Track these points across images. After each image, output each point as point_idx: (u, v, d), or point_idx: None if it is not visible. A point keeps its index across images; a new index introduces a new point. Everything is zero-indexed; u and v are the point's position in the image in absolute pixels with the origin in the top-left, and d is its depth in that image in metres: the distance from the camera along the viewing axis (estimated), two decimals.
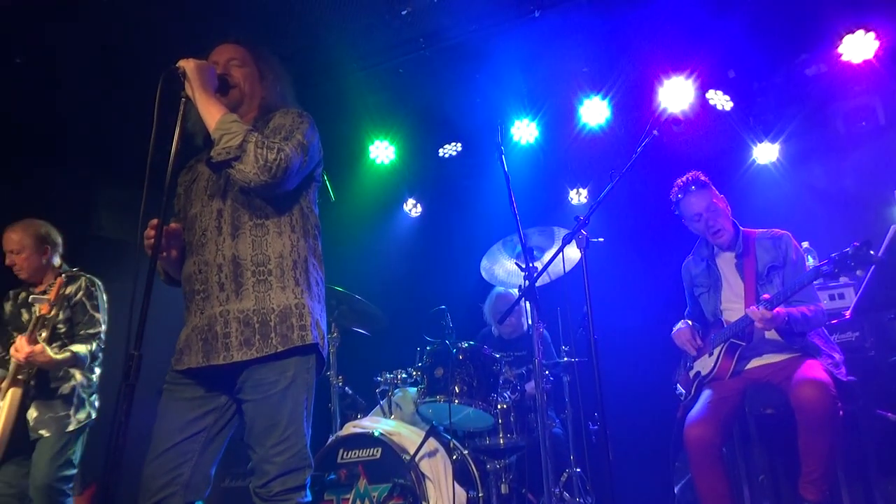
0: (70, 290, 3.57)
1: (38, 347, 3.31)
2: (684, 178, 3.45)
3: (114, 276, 4.98)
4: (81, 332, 3.55)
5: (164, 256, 2.27)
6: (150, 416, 2.20)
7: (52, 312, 3.39)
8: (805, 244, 3.64)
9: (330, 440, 3.72)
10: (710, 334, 3.37)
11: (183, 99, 2.13)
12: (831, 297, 3.75)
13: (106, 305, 3.70)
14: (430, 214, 6.05)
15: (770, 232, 3.39)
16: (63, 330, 3.52)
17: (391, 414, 3.96)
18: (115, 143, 5.02)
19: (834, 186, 4.66)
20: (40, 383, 3.45)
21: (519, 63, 4.93)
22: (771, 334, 3.18)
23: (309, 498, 2.16)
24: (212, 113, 2.14)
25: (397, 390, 4.02)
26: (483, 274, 4.08)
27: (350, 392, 4.31)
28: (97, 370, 3.64)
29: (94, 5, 3.96)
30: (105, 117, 4.81)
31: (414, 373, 3.90)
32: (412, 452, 3.43)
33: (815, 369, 2.96)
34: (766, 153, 5.01)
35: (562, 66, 5.01)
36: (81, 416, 3.51)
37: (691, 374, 3.42)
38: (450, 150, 5.73)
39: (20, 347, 3.30)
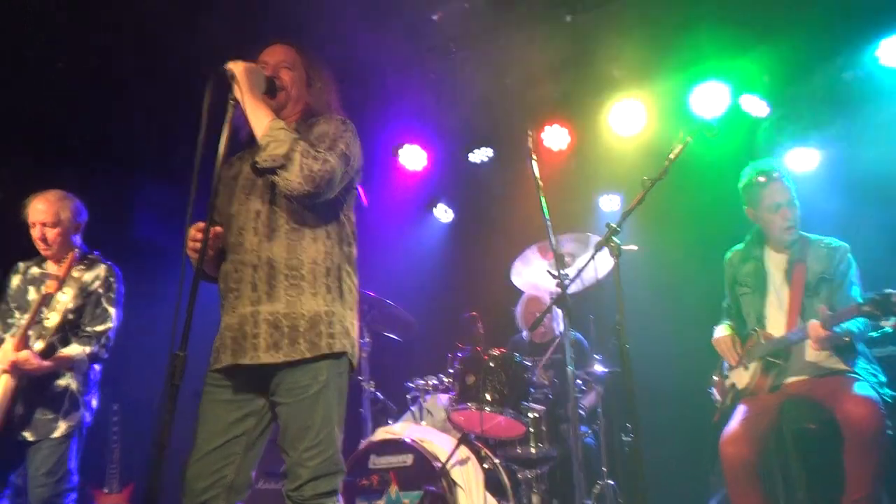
0: (87, 277, 3.22)
1: (23, 356, 2.98)
2: (766, 165, 3.29)
3: (152, 278, 5.05)
4: (87, 329, 3.20)
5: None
6: (185, 417, 2.22)
7: (63, 293, 3.05)
8: None
9: (361, 445, 3.73)
10: (748, 343, 3.26)
11: (231, 102, 2.12)
12: None
13: (123, 299, 3.35)
14: (462, 219, 6.05)
15: (827, 240, 3.25)
16: (71, 319, 3.17)
17: (422, 420, 3.95)
18: (154, 145, 5.11)
19: (873, 194, 4.53)
20: (31, 377, 3.07)
21: (551, 67, 4.90)
22: (812, 356, 3.08)
23: (340, 502, 2.17)
24: (259, 118, 2.14)
25: (429, 396, 4.01)
26: (514, 280, 4.06)
27: (381, 397, 4.31)
28: (97, 367, 3.30)
29: (135, 9, 4.03)
30: (144, 120, 4.90)
31: (445, 379, 3.88)
32: (443, 460, 3.41)
33: (863, 387, 2.88)
34: (801, 160, 4.90)
35: (594, 71, 4.97)
36: (73, 420, 3.15)
37: (727, 383, 3.34)
38: (480, 155, 5.72)
39: (6, 353, 2.99)
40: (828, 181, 4.81)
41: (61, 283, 3.06)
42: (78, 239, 3.29)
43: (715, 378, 3.45)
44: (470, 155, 5.74)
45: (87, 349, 3.17)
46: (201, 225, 2.12)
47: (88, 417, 3.27)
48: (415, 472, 3.43)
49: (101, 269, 3.30)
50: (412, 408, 4.04)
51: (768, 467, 3.15)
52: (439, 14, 4.48)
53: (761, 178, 3.26)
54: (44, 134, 4.87)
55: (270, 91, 2.28)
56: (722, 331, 3.37)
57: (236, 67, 2.15)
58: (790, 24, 4.41)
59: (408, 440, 3.52)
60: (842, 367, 3.04)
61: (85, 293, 3.22)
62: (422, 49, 4.85)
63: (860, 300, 2.83)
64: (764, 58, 4.70)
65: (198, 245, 2.06)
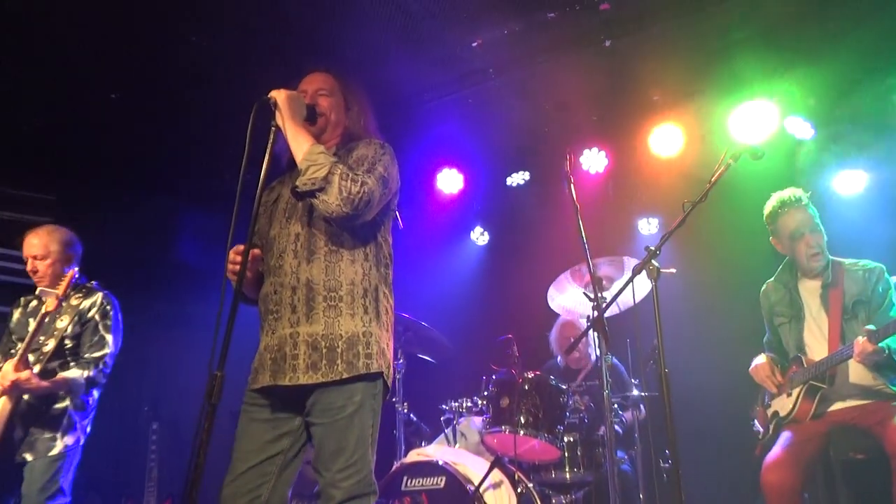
0: (84, 304, 3.36)
1: (23, 375, 3.10)
2: (787, 194, 3.30)
3: (194, 301, 5.18)
4: (85, 355, 3.34)
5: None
6: (223, 435, 2.25)
7: (60, 317, 3.21)
8: (895, 278, 3.44)
9: (394, 467, 3.73)
10: (791, 370, 3.21)
11: (273, 128, 2.20)
12: None
13: (121, 325, 3.48)
14: (498, 243, 6.05)
15: (862, 262, 3.21)
16: (70, 346, 3.33)
17: (456, 443, 3.94)
18: (198, 172, 5.27)
19: None
20: (30, 401, 3.23)
21: (589, 92, 4.91)
22: (856, 377, 3.00)
23: None
24: (300, 143, 2.22)
25: (462, 419, 4.01)
26: (550, 303, 4.04)
27: (415, 419, 4.31)
28: (95, 393, 3.42)
29: (179, 42, 4.20)
30: (186, 146, 5.07)
31: (479, 402, 3.87)
32: (476, 483, 3.39)
33: None
34: (848, 182, 4.79)
35: (632, 95, 4.96)
36: (69, 440, 3.27)
37: (769, 412, 3.27)
38: (517, 178, 5.75)
39: (6, 374, 3.10)
40: (875, 203, 4.69)
41: (60, 301, 3.20)
42: (73, 271, 3.40)
43: (757, 409, 3.38)
44: (507, 179, 5.77)
45: (86, 373, 3.30)
46: (240, 248, 2.20)
47: (83, 440, 3.39)
48: (447, 494, 3.41)
49: (97, 297, 3.43)
50: (446, 430, 4.04)
51: (815, 498, 3.05)
52: (478, 41, 4.54)
53: (782, 209, 3.28)
54: (93, 161, 5.08)
55: (311, 118, 2.36)
56: (760, 359, 3.32)
57: (279, 95, 2.24)
58: (836, 46, 4.34)
59: (441, 462, 3.51)
60: (889, 390, 2.94)
61: (83, 320, 3.36)
62: (461, 75, 4.91)
63: None
64: (809, 79, 4.63)
65: (237, 267, 2.12)
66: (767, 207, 3.36)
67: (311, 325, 2.19)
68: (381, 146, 2.38)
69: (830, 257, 3.25)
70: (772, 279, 3.45)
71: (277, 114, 2.22)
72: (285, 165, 2.45)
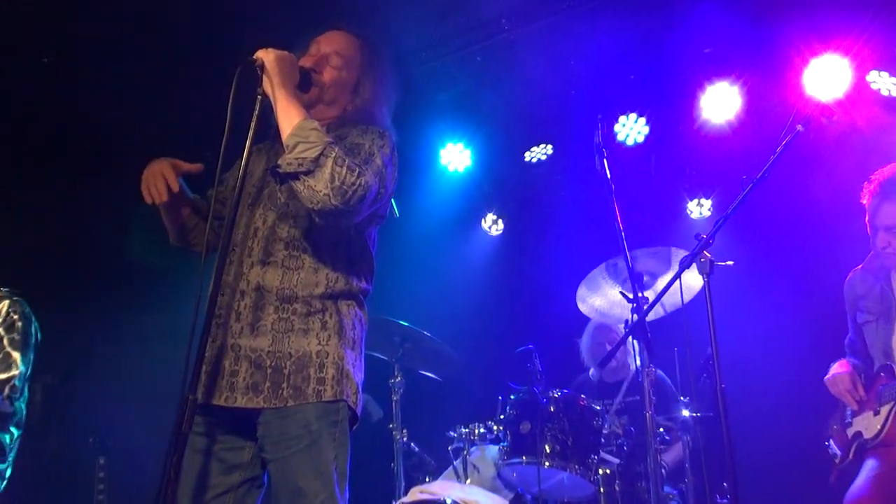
0: None
1: None
2: (890, 173, 3.25)
3: (148, 308, 5.20)
4: None
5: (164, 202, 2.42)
6: None
7: None
8: None
9: None
10: (879, 381, 3.20)
11: (259, 96, 2.20)
12: None
13: (35, 339, 3.41)
14: (515, 232, 6.08)
15: None
16: None
17: (467, 477, 3.96)
18: (152, 152, 5.25)
19: None
20: None
21: (626, 45, 4.90)
22: None
23: None
24: (290, 115, 2.19)
25: (474, 448, 4.03)
26: (580, 306, 4.06)
27: (416, 449, 4.34)
28: (14, 430, 3.33)
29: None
30: (138, 121, 5.06)
31: (495, 427, 3.90)
32: None
33: None
34: None
35: (680, 47, 4.95)
36: None
37: (849, 432, 3.28)
38: (538, 153, 5.76)
39: None
40: None
41: None
42: None
43: (834, 427, 3.38)
44: (525, 153, 5.77)
45: None
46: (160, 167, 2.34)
47: (1, 486, 3.33)
48: None
49: (3, 306, 3.36)
50: (455, 462, 4.06)
51: None
52: None
53: (882, 196, 3.23)
54: (24, 141, 5.08)
55: (304, 84, 2.34)
56: (839, 367, 3.32)
57: (267, 56, 2.22)
58: None
59: (449, 501, 3.52)
60: None
61: None
62: (467, 27, 4.90)
63: None
64: None
65: (156, 187, 2.33)
66: (868, 189, 3.30)
67: (256, 338, 2.20)
68: (381, 135, 2.36)
69: None
70: (860, 266, 3.44)
71: (265, 78, 2.21)
72: (271, 136, 2.42)
